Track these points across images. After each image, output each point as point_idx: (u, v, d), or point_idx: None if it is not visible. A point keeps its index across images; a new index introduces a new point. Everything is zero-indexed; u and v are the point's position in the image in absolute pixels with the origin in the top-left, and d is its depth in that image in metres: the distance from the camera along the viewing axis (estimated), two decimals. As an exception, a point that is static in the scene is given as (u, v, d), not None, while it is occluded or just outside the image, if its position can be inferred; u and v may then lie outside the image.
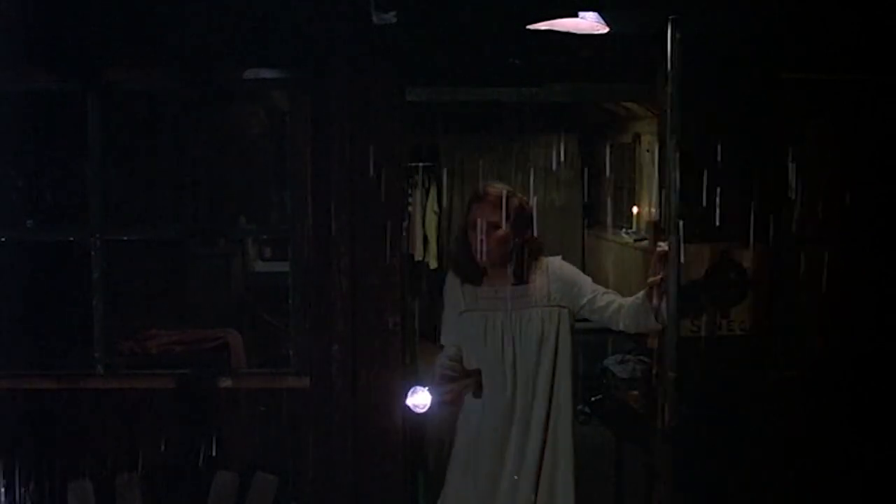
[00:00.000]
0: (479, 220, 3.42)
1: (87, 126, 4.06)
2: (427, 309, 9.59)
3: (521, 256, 3.45)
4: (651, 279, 3.40)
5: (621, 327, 3.46)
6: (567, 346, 3.47)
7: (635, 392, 5.19)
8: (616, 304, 3.45)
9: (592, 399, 6.54)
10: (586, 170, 9.70)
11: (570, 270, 3.54)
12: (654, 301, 3.37)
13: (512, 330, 3.46)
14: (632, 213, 8.64)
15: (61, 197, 5.00)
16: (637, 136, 8.48)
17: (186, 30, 3.91)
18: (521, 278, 3.47)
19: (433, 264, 9.66)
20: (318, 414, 4.06)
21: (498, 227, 3.41)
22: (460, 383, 3.46)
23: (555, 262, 3.54)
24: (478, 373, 3.50)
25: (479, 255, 3.43)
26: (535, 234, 3.55)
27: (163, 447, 4.07)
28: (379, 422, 4.05)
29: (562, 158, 9.60)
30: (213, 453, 4.05)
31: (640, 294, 3.42)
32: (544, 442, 3.45)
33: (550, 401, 3.46)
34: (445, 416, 3.65)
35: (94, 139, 4.07)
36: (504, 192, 3.44)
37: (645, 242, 8.07)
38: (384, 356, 4.03)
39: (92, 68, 4.04)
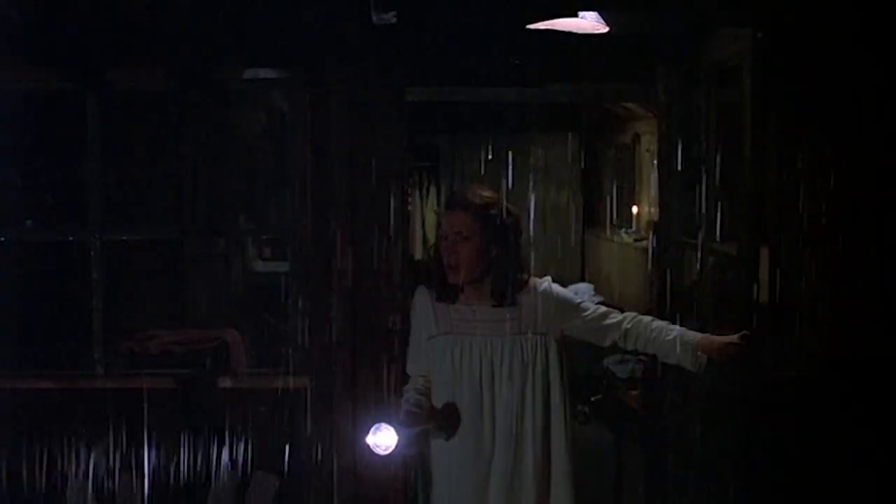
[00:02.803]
0: (447, 230, 2.94)
1: (87, 126, 4.06)
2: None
3: (503, 273, 2.94)
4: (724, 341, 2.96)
5: (630, 346, 3.03)
6: (559, 383, 2.96)
7: (635, 392, 5.20)
8: (628, 324, 3.00)
9: (592, 399, 6.54)
10: (586, 170, 9.71)
11: (564, 292, 3.04)
12: (702, 354, 2.95)
13: (492, 360, 2.93)
14: (632, 213, 8.64)
15: (61, 197, 5.00)
16: (637, 136, 8.48)
17: (186, 30, 3.92)
18: (503, 299, 2.95)
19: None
20: (318, 414, 4.06)
21: (468, 238, 2.90)
22: (424, 424, 2.89)
23: (544, 284, 3.01)
24: (448, 411, 2.95)
25: (446, 271, 2.94)
26: (522, 247, 3.03)
27: (163, 447, 4.07)
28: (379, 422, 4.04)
29: (562, 158, 9.61)
30: (214, 453, 4.05)
31: (691, 336, 2.98)
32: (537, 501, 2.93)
33: (544, 451, 2.94)
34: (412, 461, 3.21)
35: (94, 139, 4.07)
36: (480, 198, 2.94)
37: (645, 242, 8.07)
38: (384, 356, 4.03)
39: (92, 68, 4.05)
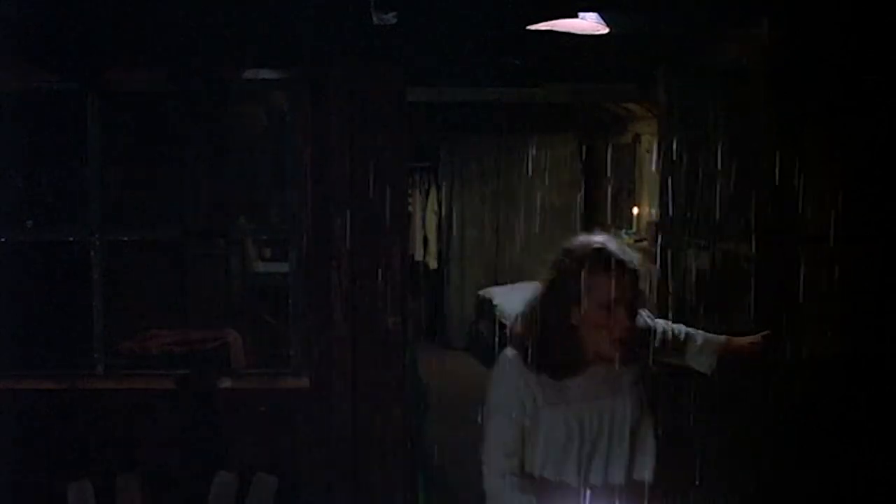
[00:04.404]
0: (609, 298, 2.41)
1: (87, 126, 4.06)
2: (427, 309, 9.62)
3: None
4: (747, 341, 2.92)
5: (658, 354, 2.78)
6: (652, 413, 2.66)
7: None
8: (678, 333, 2.86)
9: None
10: (586, 170, 9.70)
11: (647, 318, 2.73)
12: (713, 356, 2.86)
13: (613, 420, 2.53)
14: (632, 213, 8.64)
15: (61, 197, 5.00)
16: (637, 136, 8.48)
17: (186, 30, 3.91)
18: (633, 354, 2.54)
19: (433, 264, 9.67)
20: (318, 414, 4.06)
21: (632, 302, 2.45)
22: None
23: (644, 317, 2.68)
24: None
25: (599, 346, 2.47)
26: None
27: (163, 447, 4.07)
28: (379, 422, 4.05)
29: (562, 158, 9.60)
30: (213, 453, 4.05)
31: (715, 339, 2.89)
32: None
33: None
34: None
35: (94, 139, 4.07)
36: (627, 251, 2.49)
37: (645, 243, 8.07)
38: (384, 356, 4.03)
39: (92, 68, 4.05)
